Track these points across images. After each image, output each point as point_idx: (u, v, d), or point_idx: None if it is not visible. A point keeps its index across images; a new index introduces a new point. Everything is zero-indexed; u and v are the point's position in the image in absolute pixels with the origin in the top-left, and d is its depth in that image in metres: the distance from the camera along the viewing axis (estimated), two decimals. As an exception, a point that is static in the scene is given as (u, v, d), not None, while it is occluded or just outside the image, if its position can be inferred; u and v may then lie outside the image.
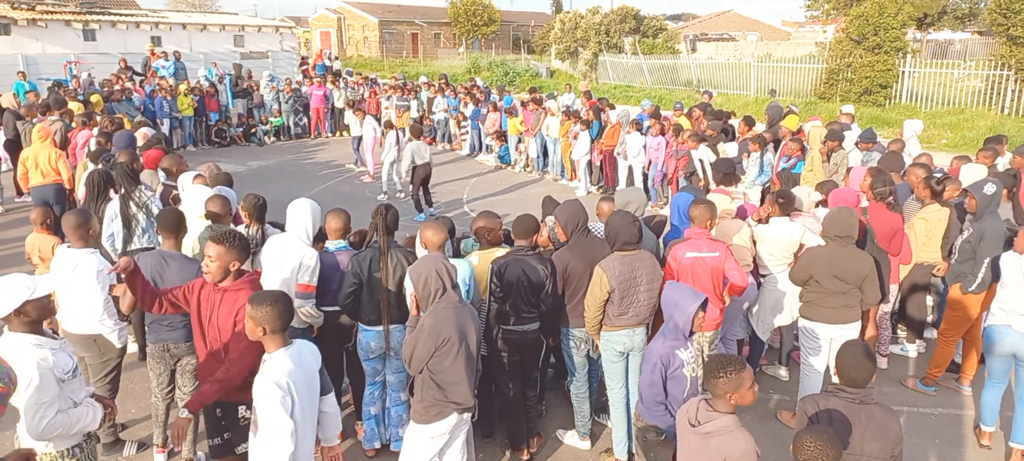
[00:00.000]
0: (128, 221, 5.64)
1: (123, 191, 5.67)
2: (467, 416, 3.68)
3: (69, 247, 4.36)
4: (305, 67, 24.47)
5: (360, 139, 13.80)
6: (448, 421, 3.54)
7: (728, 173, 6.52)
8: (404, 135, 11.91)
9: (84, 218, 4.36)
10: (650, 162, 10.96)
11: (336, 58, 28.82)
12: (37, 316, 3.06)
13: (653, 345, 3.70)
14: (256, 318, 3.00)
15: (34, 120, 10.62)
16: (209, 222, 4.78)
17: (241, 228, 5.03)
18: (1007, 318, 4.66)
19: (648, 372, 3.62)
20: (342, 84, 19.20)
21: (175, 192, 6.26)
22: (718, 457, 2.85)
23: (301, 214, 4.42)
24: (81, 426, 3.16)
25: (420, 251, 4.49)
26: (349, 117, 14.65)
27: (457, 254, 5.16)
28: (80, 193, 7.77)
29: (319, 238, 4.97)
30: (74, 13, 22.17)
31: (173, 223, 4.29)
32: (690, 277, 4.54)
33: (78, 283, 4.23)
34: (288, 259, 4.34)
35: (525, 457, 4.71)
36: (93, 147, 8.59)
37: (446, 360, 3.43)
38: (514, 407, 4.67)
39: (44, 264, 5.80)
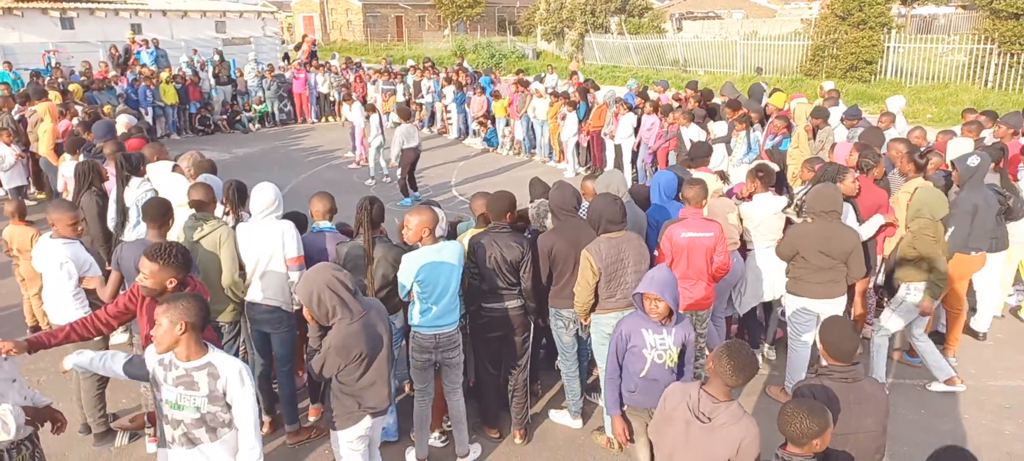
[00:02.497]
0: (123, 212, 5.59)
1: (119, 182, 5.63)
2: (381, 418, 3.62)
3: (50, 237, 4.35)
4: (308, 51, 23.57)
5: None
6: (362, 425, 3.47)
7: (694, 158, 6.44)
8: (387, 119, 11.81)
9: (62, 210, 4.36)
10: (640, 142, 10.94)
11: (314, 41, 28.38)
12: None
13: (624, 318, 3.75)
14: (173, 317, 2.87)
15: (13, 111, 10.44)
16: (193, 211, 4.72)
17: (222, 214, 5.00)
18: None
19: (611, 345, 3.71)
20: (326, 69, 19.00)
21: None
22: (730, 446, 2.84)
23: (266, 195, 4.38)
24: None
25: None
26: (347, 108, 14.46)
27: (452, 236, 5.16)
28: (59, 186, 7.72)
29: (302, 223, 4.95)
30: (51, 1, 21.75)
31: (157, 212, 4.22)
32: (685, 257, 4.57)
33: (51, 273, 4.28)
34: (268, 238, 4.33)
35: (518, 439, 4.75)
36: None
37: (357, 372, 3.33)
38: (489, 386, 4.72)
39: (22, 255, 5.76)
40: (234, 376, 2.99)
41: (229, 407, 3.04)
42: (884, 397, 3.08)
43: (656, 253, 4.77)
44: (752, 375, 2.91)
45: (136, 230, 5.60)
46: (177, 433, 3.05)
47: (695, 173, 5.87)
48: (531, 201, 5.36)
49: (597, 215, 4.23)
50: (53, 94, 11.48)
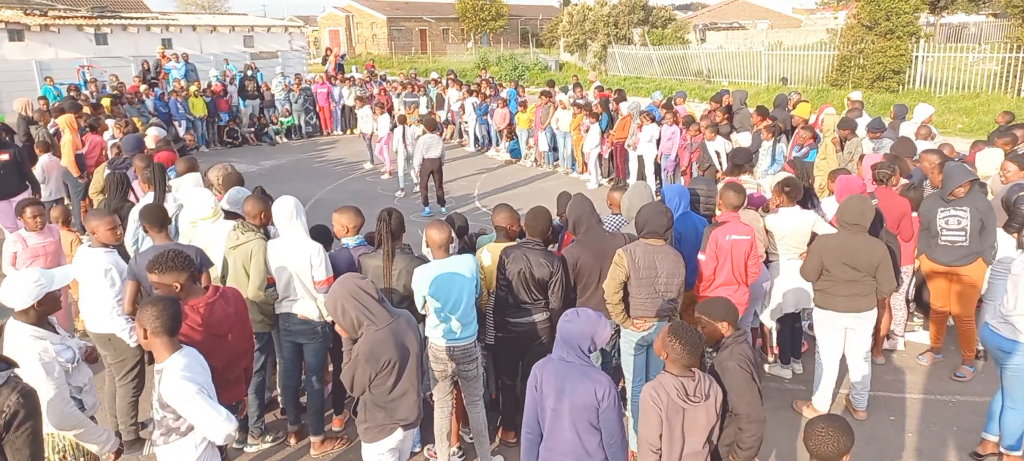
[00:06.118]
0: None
1: (159, 191, 5.75)
2: (412, 431, 3.60)
3: (90, 245, 4.44)
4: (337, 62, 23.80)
5: (368, 136, 14.12)
6: (394, 437, 3.46)
7: (738, 164, 6.47)
8: (409, 131, 11.90)
9: (102, 217, 4.45)
10: (662, 153, 10.89)
11: (343, 55, 28.82)
12: (43, 310, 3.26)
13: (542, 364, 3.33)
14: (139, 320, 2.95)
15: (48, 125, 10.74)
16: (234, 222, 4.77)
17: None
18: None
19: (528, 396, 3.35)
20: (352, 82, 19.23)
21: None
22: (716, 406, 3.12)
23: (288, 209, 4.35)
24: (91, 438, 3.36)
25: (425, 251, 4.52)
26: (361, 114, 14.65)
27: (470, 250, 5.18)
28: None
29: (327, 238, 5.00)
30: (86, 18, 22.37)
31: (153, 217, 4.43)
32: (729, 259, 4.63)
33: (92, 281, 4.33)
34: (297, 258, 4.35)
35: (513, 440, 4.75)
36: (109, 152, 8.78)
37: (388, 381, 3.30)
38: (509, 394, 4.77)
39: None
40: (170, 370, 2.95)
41: (178, 416, 3.00)
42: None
43: (699, 258, 4.77)
44: (701, 348, 3.03)
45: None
46: (156, 421, 3.13)
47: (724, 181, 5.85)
48: (557, 214, 5.37)
49: (642, 221, 4.28)
50: (86, 109, 11.78)
